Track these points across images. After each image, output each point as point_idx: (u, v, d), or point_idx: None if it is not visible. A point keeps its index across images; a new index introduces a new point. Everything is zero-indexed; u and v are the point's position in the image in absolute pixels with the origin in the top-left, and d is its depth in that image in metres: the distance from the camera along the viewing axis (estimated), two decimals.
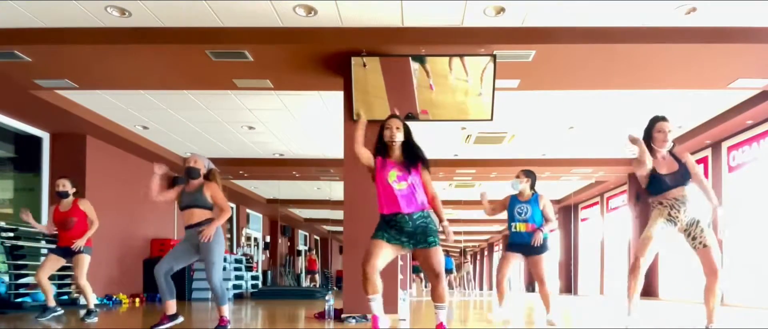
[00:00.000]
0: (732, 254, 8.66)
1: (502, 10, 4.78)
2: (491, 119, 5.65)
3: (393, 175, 3.32)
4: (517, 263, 4.85)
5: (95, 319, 5.20)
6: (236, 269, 11.34)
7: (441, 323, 3.40)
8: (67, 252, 5.19)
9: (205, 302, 9.19)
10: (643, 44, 5.12)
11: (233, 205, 15.41)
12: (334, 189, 13.62)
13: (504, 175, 11.57)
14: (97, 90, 6.64)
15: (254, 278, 12.77)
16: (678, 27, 5.04)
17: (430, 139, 9.10)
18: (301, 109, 7.60)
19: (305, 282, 20.55)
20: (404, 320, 5.30)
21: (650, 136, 3.69)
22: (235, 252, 14.23)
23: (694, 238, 3.58)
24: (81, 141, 8.18)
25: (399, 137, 3.39)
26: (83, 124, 7.66)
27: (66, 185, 5.19)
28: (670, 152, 3.70)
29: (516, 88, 6.28)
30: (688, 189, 3.60)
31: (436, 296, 3.39)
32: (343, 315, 5.24)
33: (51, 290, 5.30)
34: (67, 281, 7.74)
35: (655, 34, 5.07)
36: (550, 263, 4.82)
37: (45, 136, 8.09)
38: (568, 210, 16.44)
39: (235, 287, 10.82)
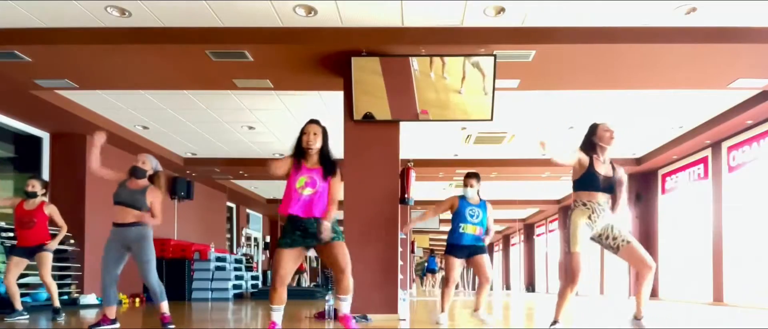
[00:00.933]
0: (732, 254, 8.66)
1: (502, 10, 4.78)
2: (491, 119, 5.65)
3: (301, 181, 3.37)
4: (462, 265, 4.92)
5: (61, 319, 5.26)
6: (236, 269, 11.34)
7: (346, 315, 3.49)
8: (29, 252, 5.20)
9: (205, 302, 9.19)
10: (643, 44, 5.12)
11: (233, 205, 15.42)
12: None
13: (504, 175, 11.58)
14: (97, 90, 6.64)
15: (254, 278, 12.77)
16: (678, 27, 5.04)
17: (430, 139, 9.11)
18: (301, 109, 7.60)
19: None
20: (404, 320, 5.30)
21: (596, 134, 3.70)
22: (235, 252, 14.24)
23: (614, 239, 3.60)
24: (81, 141, 8.17)
25: (316, 144, 3.41)
26: (83, 124, 7.66)
27: (36, 186, 5.20)
28: (611, 161, 3.74)
29: (516, 88, 6.27)
30: (608, 198, 3.65)
31: (342, 289, 3.44)
32: None
33: (18, 294, 5.29)
34: (68, 281, 7.75)
35: (655, 34, 5.07)
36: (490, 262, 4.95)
37: (45, 136, 8.09)
38: (568, 211, 16.43)
39: (235, 287, 10.82)
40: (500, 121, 7.86)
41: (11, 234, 6.91)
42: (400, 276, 6.02)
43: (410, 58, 5.29)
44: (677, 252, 10.51)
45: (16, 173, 8.11)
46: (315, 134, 3.42)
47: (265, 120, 8.12)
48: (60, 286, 7.59)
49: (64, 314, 5.50)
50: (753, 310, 7.24)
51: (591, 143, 3.71)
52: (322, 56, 5.44)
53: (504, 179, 12.04)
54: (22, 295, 6.89)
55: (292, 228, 3.40)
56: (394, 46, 5.24)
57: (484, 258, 4.78)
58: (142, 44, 5.13)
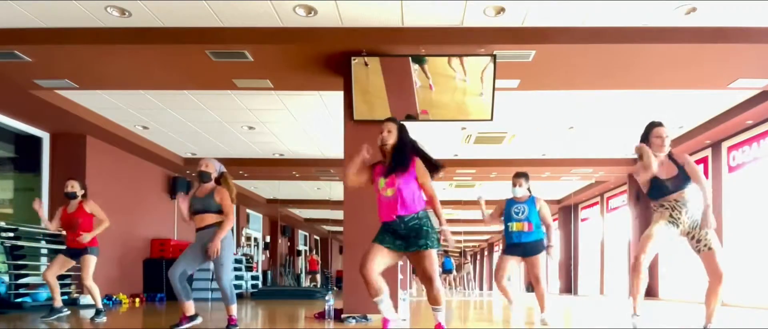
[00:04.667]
0: (732, 254, 8.66)
1: (502, 10, 4.78)
2: (491, 119, 5.65)
3: (382, 182, 3.33)
4: (514, 264, 4.86)
5: (104, 319, 5.22)
6: (236, 269, 11.34)
7: (439, 323, 3.41)
8: (74, 254, 5.22)
9: (205, 302, 9.19)
10: (643, 44, 5.11)
11: (233, 205, 15.39)
12: (334, 189, 13.61)
13: (504, 175, 11.56)
14: (97, 90, 6.64)
15: (254, 278, 12.78)
16: (678, 27, 5.03)
17: (430, 139, 9.10)
18: (301, 109, 7.60)
19: (305, 283, 20.54)
20: (404, 320, 5.30)
21: (648, 141, 3.68)
22: (235, 252, 14.22)
23: (698, 241, 3.58)
24: (81, 141, 8.17)
25: (390, 140, 3.35)
26: (83, 124, 7.66)
27: (74, 186, 5.24)
28: (669, 155, 3.69)
29: (516, 88, 6.27)
30: (688, 191, 3.60)
31: (431, 299, 3.38)
32: (343, 315, 5.24)
33: (58, 289, 5.32)
34: (68, 281, 7.75)
35: (655, 34, 5.07)
36: (544, 263, 4.84)
37: (45, 136, 8.09)
38: (568, 210, 16.44)
39: (235, 287, 10.79)
40: (500, 121, 7.86)
41: (11, 235, 6.92)
42: (400, 276, 6.02)
43: (410, 58, 5.29)
44: (677, 252, 10.49)
45: (16, 173, 8.11)
46: (389, 131, 3.35)
47: (265, 120, 8.12)
48: (60, 286, 7.60)
49: (104, 311, 5.43)
50: (753, 310, 7.24)
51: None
52: (322, 56, 5.44)
53: (504, 179, 12.01)
54: (22, 295, 6.94)
55: (385, 231, 3.36)
56: (394, 46, 5.24)
57: (538, 258, 4.68)
58: (142, 44, 5.13)
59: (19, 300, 6.88)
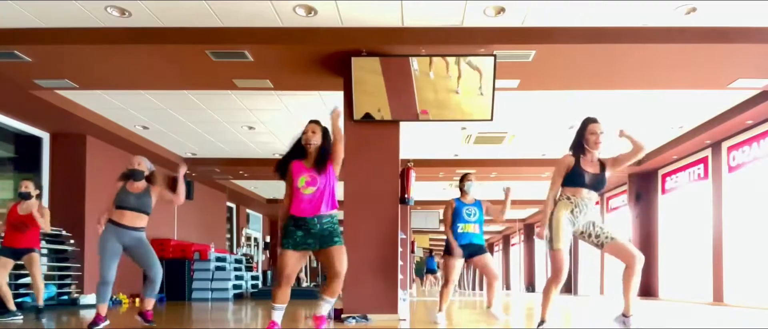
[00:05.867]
0: (732, 254, 8.66)
1: (502, 10, 4.78)
2: (491, 119, 5.65)
3: (302, 180, 3.41)
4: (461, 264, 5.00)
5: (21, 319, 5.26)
6: (236, 269, 11.34)
7: (322, 316, 3.52)
8: (16, 253, 5.21)
9: (205, 302, 9.19)
10: (643, 44, 5.11)
11: (233, 205, 15.41)
12: None
13: (504, 175, 11.58)
14: (97, 90, 6.64)
15: (254, 278, 12.77)
16: (678, 27, 5.04)
17: (430, 139, 9.11)
18: (301, 109, 7.60)
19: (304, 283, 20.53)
20: (404, 320, 5.30)
21: (583, 136, 3.69)
22: (235, 252, 14.23)
23: (597, 236, 3.58)
24: (81, 141, 8.18)
25: (315, 141, 3.45)
26: (83, 124, 7.66)
27: (29, 186, 5.20)
28: (600, 158, 3.73)
29: (516, 88, 6.27)
30: (594, 196, 3.64)
31: (331, 291, 3.47)
32: (343, 315, 5.24)
33: (9, 293, 5.28)
34: (67, 281, 7.75)
35: (655, 34, 5.07)
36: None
37: (45, 136, 8.09)
38: None
39: (235, 287, 10.82)
40: (500, 121, 7.86)
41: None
42: (400, 276, 6.02)
43: (410, 58, 5.29)
44: (677, 252, 10.51)
45: (16, 173, 8.11)
46: (313, 132, 3.47)
47: (265, 120, 8.12)
48: (60, 286, 7.61)
49: (45, 316, 5.47)
50: (753, 310, 7.24)
51: (579, 142, 3.71)
52: (322, 56, 5.44)
53: (504, 179, 12.01)
54: (23, 295, 6.94)
55: (294, 228, 3.41)
56: (394, 46, 5.24)
57: (486, 256, 4.87)
58: (142, 44, 5.13)
59: (19, 300, 6.87)
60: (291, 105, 7.41)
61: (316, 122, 3.56)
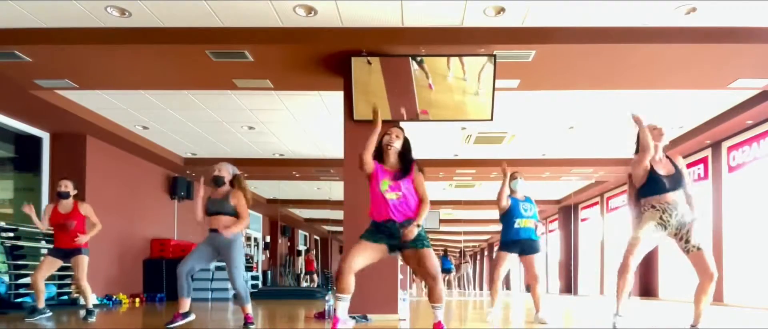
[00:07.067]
0: (732, 254, 8.66)
1: (502, 10, 4.78)
2: (491, 119, 5.65)
3: (385, 184, 3.37)
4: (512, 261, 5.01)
5: (94, 319, 5.22)
6: None
7: (439, 322, 3.43)
8: (66, 254, 5.17)
9: (205, 302, 9.19)
10: (643, 44, 5.12)
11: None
12: (334, 190, 13.61)
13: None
14: (97, 90, 6.64)
15: (254, 278, 12.78)
16: (678, 27, 5.04)
17: (430, 139, 9.10)
18: (301, 109, 7.60)
19: (304, 283, 20.53)
20: (404, 320, 5.30)
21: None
22: None
23: (687, 241, 3.56)
24: (81, 141, 8.18)
25: (396, 145, 3.44)
26: (83, 124, 7.66)
27: (68, 186, 5.17)
28: (666, 155, 3.70)
29: (516, 88, 6.27)
30: (680, 193, 3.59)
31: (434, 297, 3.43)
32: None
33: (44, 292, 5.26)
34: (68, 281, 7.75)
35: (655, 34, 5.07)
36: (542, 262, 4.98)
37: (45, 136, 8.09)
38: (568, 210, 16.44)
39: None
40: (500, 121, 7.86)
41: (11, 235, 6.93)
42: (400, 276, 6.02)
43: (410, 58, 5.29)
44: (677, 251, 10.49)
45: (16, 173, 8.11)
46: (397, 136, 3.48)
47: (265, 120, 8.12)
48: (60, 286, 7.61)
49: (96, 311, 5.46)
50: (753, 310, 7.24)
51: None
52: (322, 56, 5.44)
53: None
54: (23, 295, 6.94)
55: (377, 231, 3.40)
56: (394, 46, 5.24)
57: (537, 257, 4.90)
58: (142, 44, 5.13)
59: (19, 300, 6.88)
60: (291, 105, 7.42)
61: (399, 126, 3.58)
